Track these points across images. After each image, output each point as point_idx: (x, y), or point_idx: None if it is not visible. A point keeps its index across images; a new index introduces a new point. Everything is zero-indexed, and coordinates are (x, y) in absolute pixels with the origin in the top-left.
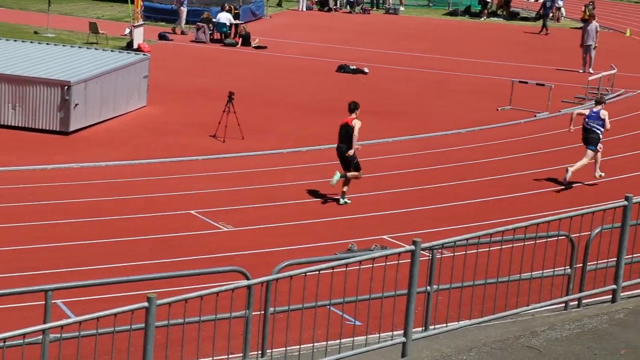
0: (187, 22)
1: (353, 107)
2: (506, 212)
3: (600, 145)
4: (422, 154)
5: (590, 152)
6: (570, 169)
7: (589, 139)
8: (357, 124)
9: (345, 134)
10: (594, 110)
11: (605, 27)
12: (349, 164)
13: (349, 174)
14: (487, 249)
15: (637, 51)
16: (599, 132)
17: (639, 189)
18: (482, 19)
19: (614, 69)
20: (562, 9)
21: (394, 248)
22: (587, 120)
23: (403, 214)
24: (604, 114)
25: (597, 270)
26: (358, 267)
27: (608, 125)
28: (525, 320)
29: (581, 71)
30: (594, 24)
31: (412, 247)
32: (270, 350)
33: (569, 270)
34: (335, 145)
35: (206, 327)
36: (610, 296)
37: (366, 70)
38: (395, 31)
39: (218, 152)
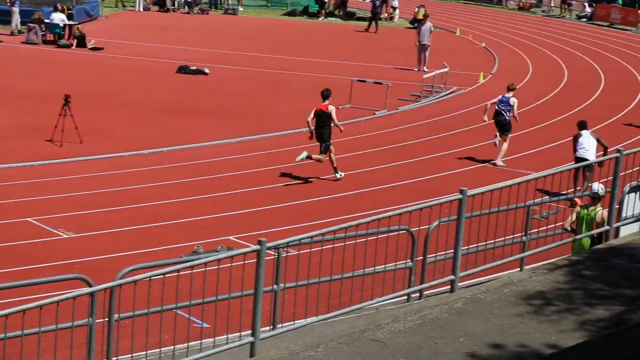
0: (21, 23)
1: (326, 94)
2: (349, 209)
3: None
4: (264, 154)
5: (501, 138)
6: (499, 161)
7: (498, 122)
8: (332, 108)
9: (320, 119)
10: (506, 95)
11: (437, 26)
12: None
13: (314, 156)
14: (332, 246)
15: (467, 50)
16: (506, 116)
17: (475, 183)
18: (320, 19)
19: (447, 67)
20: (397, 9)
21: (240, 248)
22: (498, 103)
23: (248, 214)
24: (513, 100)
25: (436, 262)
26: (204, 269)
27: (515, 112)
28: (370, 314)
29: (416, 69)
30: (428, 24)
31: (258, 247)
32: (115, 358)
33: (410, 263)
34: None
35: (47, 338)
36: (449, 287)
37: (207, 70)
38: (234, 31)
39: (55, 156)
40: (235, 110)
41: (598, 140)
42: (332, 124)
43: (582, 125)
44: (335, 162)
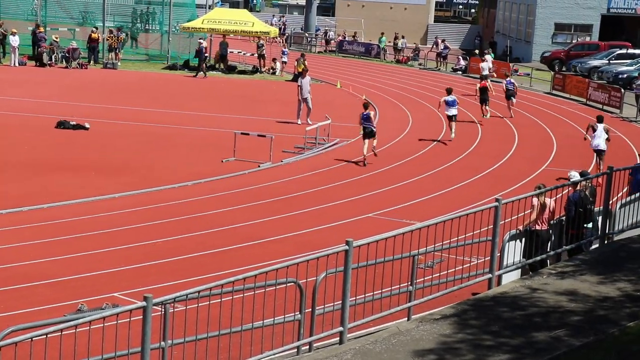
0: None
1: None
2: (236, 262)
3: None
4: (148, 209)
5: (453, 125)
6: (452, 134)
7: (452, 117)
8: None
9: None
10: (449, 99)
11: (318, 79)
12: None
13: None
14: (219, 300)
15: (348, 102)
16: (456, 112)
17: (360, 233)
18: (201, 73)
19: (328, 119)
20: (278, 63)
21: (126, 305)
22: (447, 106)
23: (133, 270)
24: (457, 98)
25: (324, 314)
26: (89, 327)
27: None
28: None
29: (299, 122)
30: (307, 78)
31: (144, 303)
32: None
33: (299, 315)
34: None
35: None
36: (339, 338)
37: (87, 125)
38: (114, 86)
39: None
40: (118, 166)
41: (607, 132)
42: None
43: (600, 119)
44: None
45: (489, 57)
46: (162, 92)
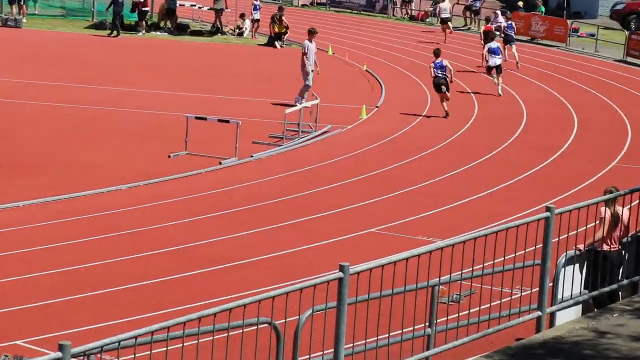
0: None
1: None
2: (189, 295)
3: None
4: (66, 222)
5: (445, 92)
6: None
7: (440, 83)
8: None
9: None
10: (437, 61)
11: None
12: None
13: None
14: (165, 348)
15: (343, 74)
16: (445, 76)
17: (357, 256)
18: (141, 33)
19: (316, 98)
20: (247, 21)
21: (34, 357)
22: (435, 69)
23: (44, 307)
24: (445, 62)
25: None
26: None
27: (451, 67)
28: None
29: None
30: (314, 43)
31: (59, 354)
32: None
33: None
34: None
35: None
36: None
37: None
38: (17, 51)
39: None
40: (24, 162)
41: None
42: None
43: None
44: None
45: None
46: (86, 61)
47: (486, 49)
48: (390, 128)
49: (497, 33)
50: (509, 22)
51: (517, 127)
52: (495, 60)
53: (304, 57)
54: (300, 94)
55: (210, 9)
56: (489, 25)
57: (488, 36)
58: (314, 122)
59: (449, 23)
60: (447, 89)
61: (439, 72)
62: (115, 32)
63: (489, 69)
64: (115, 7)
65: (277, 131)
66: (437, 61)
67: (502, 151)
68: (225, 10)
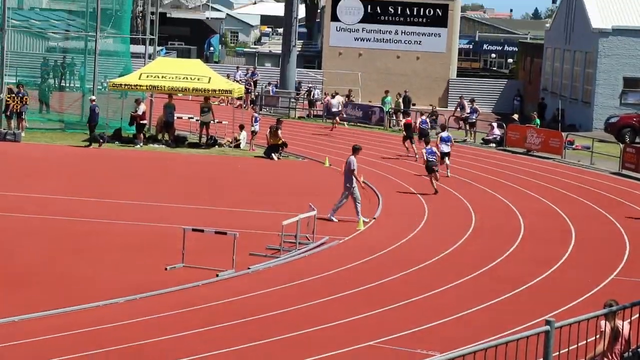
0: None
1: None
2: None
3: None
4: (62, 337)
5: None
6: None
7: (432, 165)
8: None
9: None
10: (444, 135)
11: (298, 155)
12: None
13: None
14: None
15: (339, 186)
16: (435, 160)
17: None
18: (139, 146)
19: (313, 209)
20: (244, 133)
21: None
22: (441, 144)
23: None
24: (434, 148)
25: None
26: None
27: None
28: None
29: (334, 219)
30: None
31: None
32: None
33: None
34: None
35: None
36: None
37: None
38: (16, 164)
39: None
40: (18, 275)
41: None
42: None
43: None
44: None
45: (338, 97)
46: (83, 173)
47: (425, 148)
48: (388, 240)
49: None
50: (423, 117)
51: (514, 238)
52: (443, 148)
53: (352, 174)
54: (336, 207)
55: (197, 120)
56: (409, 118)
57: (409, 129)
58: (311, 234)
59: (337, 118)
60: (438, 170)
61: (430, 157)
62: (96, 144)
63: (428, 168)
64: (90, 119)
65: (275, 243)
66: (427, 148)
67: (500, 263)
68: (213, 122)
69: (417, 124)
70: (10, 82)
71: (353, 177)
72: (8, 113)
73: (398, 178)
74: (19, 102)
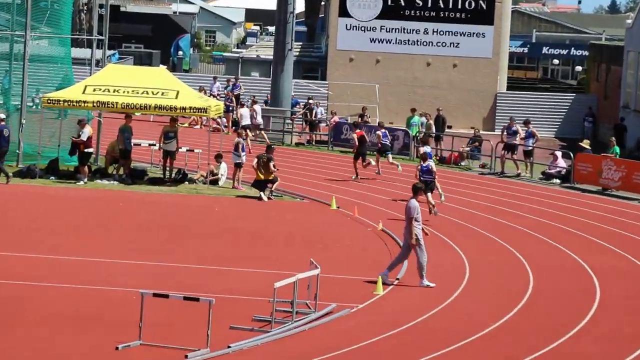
0: None
1: None
2: None
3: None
4: None
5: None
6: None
7: (428, 185)
8: None
9: None
10: (424, 165)
11: (295, 195)
12: None
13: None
14: None
15: (352, 235)
16: (432, 179)
17: None
18: (82, 182)
19: (316, 267)
20: (223, 166)
21: None
22: (421, 174)
23: None
24: (431, 165)
25: None
26: None
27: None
28: None
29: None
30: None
31: None
32: None
33: None
34: None
35: None
36: None
37: None
38: None
39: None
40: None
41: None
42: None
43: None
44: None
45: (257, 107)
46: (7, 219)
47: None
48: (417, 308)
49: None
50: (383, 130)
51: (586, 308)
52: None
53: (413, 222)
54: (420, 271)
55: (160, 148)
56: (359, 131)
57: (363, 142)
58: (312, 300)
59: (248, 130)
60: (431, 190)
61: (426, 176)
62: (3, 177)
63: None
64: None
65: (264, 313)
66: (423, 165)
67: (568, 342)
68: (179, 149)
69: (379, 137)
70: None
71: (416, 227)
72: None
73: (427, 224)
74: None
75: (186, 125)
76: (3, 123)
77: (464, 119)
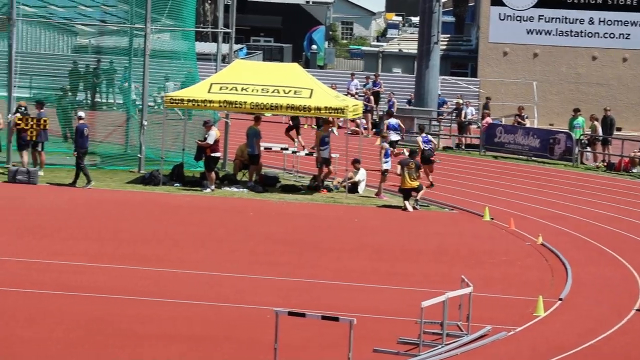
0: None
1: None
2: None
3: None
4: None
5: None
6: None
7: (430, 155)
8: None
9: None
10: (423, 136)
11: (442, 204)
12: None
13: None
14: None
15: (507, 249)
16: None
17: None
18: (209, 190)
19: (469, 285)
20: (361, 172)
21: None
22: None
23: None
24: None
25: None
26: None
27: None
28: None
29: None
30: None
31: None
32: None
33: None
34: None
35: None
36: None
37: None
38: (26, 218)
39: None
40: None
41: None
42: None
43: None
44: None
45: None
46: (125, 230)
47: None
48: (584, 330)
49: None
50: (425, 135)
51: None
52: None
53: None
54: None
55: (310, 153)
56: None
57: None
58: (464, 321)
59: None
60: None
61: (426, 146)
62: (86, 181)
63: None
64: (78, 144)
65: (411, 334)
66: (423, 135)
67: None
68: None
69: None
70: (22, 96)
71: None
72: (22, 142)
73: (593, 238)
74: (34, 126)
75: (305, 126)
76: (82, 122)
77: (636, 120)
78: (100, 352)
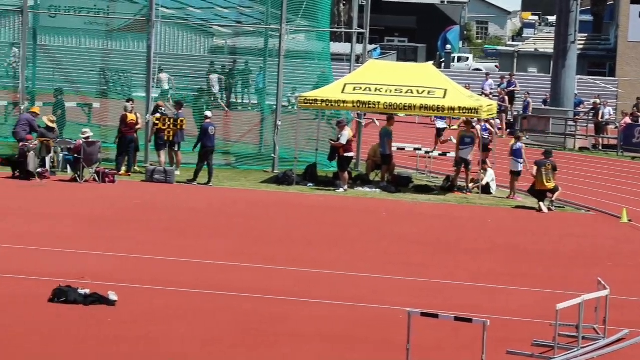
0: None
1: None
2: None
3: None
4: None
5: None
6: None
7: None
8: None
9: None
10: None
11: (576, 205)
12: None
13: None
14: None
15: None
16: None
17: None
18: (342, 189)
19: (605, 288)
20: (490, 170)
21: None
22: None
23: None
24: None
25: None
26: None
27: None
28: None
29: None
30: None
31: None
32: None
33: None
34: None
35: None
36: None
37: (113, 297)
38: (172, 217)
39: None
40: None
41: None
42: None
43: None
44: None
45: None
46: (259, 229)
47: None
48: None
49: None
50: (484, 124)
51: None
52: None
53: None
54: None
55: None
56: None
57: None
58: (601, 325)
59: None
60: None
61: (484, 134)
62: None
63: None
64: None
65: (545, 337)
66: (482, 124)
67: None
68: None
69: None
70: (159, 97)
71: None
72: (160, 142)
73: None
74: (171, 126)
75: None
76: (209, 121)
77: None
78: (236, 350)
